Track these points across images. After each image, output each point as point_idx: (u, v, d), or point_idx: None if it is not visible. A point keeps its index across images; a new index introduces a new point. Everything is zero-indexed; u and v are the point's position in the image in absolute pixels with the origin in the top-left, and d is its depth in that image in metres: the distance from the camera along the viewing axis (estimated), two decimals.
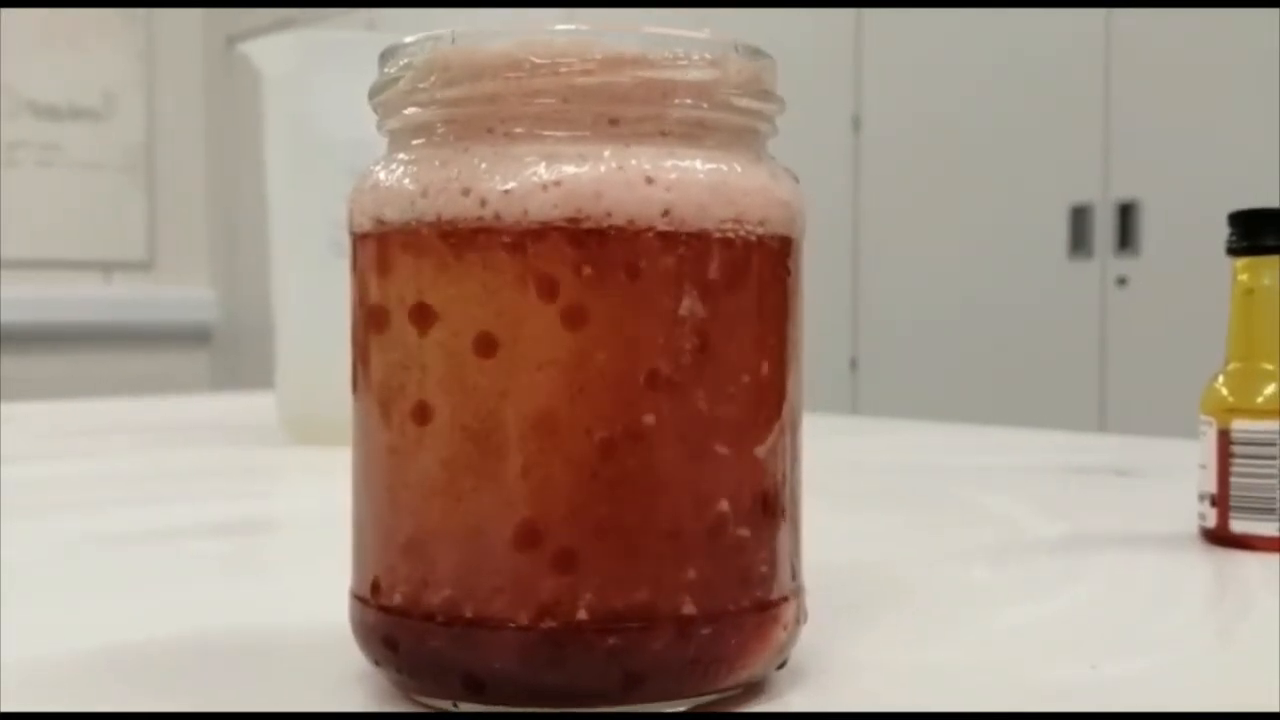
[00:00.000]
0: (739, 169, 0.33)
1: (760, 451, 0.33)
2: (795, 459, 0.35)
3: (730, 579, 0.32)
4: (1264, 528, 0.52)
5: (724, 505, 0.32)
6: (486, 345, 0.31)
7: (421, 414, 0.32)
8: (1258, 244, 0.54)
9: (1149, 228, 2.11)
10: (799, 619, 0.35)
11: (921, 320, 2.36)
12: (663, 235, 0.31)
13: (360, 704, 0.34)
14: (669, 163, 0.32)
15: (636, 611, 0.31)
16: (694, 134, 0.32)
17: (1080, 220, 2.18)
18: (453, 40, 0.32)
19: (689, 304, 0.31)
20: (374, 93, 0.34)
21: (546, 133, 0.32)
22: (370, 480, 0.34)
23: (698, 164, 0.32)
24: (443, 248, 0.31)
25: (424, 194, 0.32)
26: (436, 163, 0.32)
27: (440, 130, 0.33)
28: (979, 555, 0.56)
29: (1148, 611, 0.46)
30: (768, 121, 0.34)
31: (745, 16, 2.44)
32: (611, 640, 0.31)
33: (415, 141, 0.33)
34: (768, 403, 0.33)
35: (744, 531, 0.33)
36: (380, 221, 0.33)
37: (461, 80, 0.32)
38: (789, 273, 0.34)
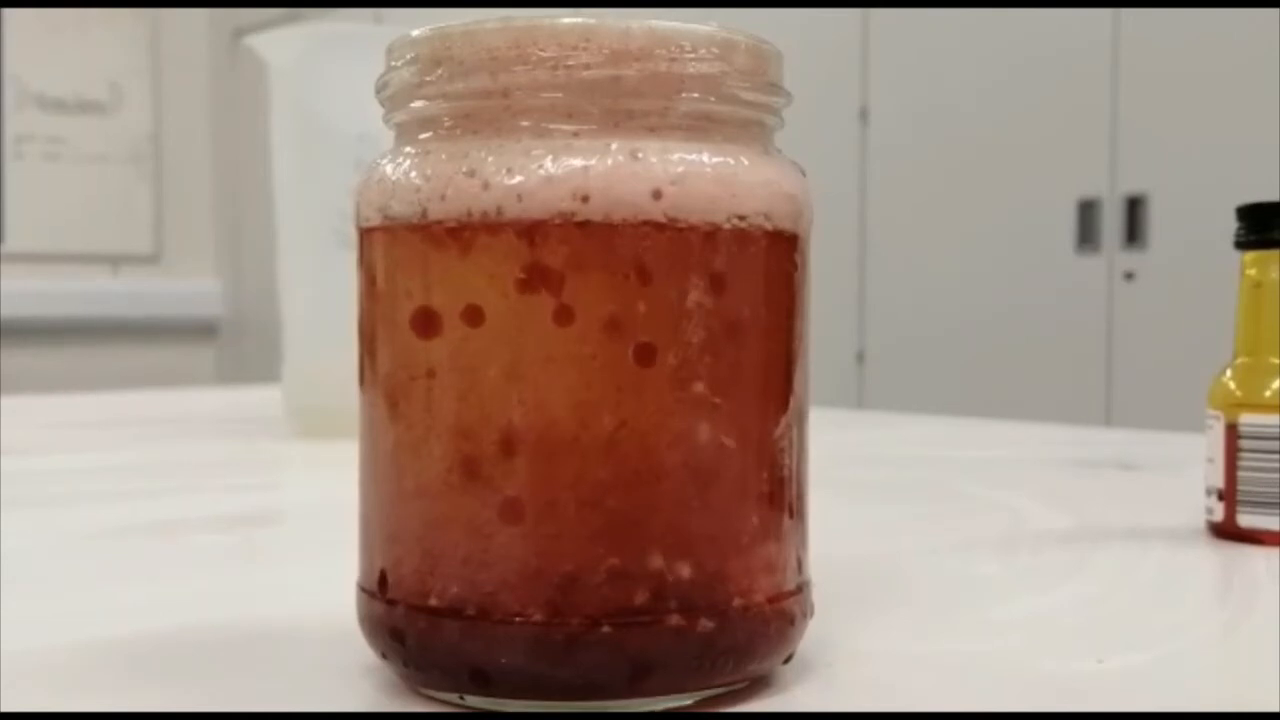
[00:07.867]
0: (745, 162, 0.33)
1: (767, 445, 0.33)
2: (802, 452, 0.34)
3: (737, 572, 0.32)
4: (1271, 522, 0.52)
5: (730, 499, 0.32)
6: (491, 338, 0.31)
7: (428, 407, 0.32)
8: (1266, 238, 0.54)
9: (1157, 222, 2.10)
10: (805, 612, 0.35)
11: (928, 314, 2.36)
12: (668, 228, 0.31)
13: (366, 697, 0.34)
14: (675, 155, 0.32)
15: (643, 605, 0.31)
16: (700, 127, 0.32)
17: (1088, 214, 2.17)
18: (460, 33, 0.32)
19: (695, 297, 0.31)
20: (380, 86, 0.34)
21: (553, 125, 0.31)
22: (377, 473, 0.34)
23: (704, 157, 0.32)
24: (450, 241, 0.31)
25: (431, 187, 0.32)
26: (443, 156, 0.32)
27: (447, 124, 0.33)
28: (985, 549, 0.56)
29: (1154, 605, 0.46)
30: (774, 114, 0.34)
31: (751, 9, 2.44)
32: (618, 634, 0.31)
33: (422, 135, 0.33)
34: (774, 396, 0.33)
35: (750, 525, 0.33)
36: (387, 215, 0.33)
37: (468, 74, 0.32)
38: (795, 266, 0.34)
